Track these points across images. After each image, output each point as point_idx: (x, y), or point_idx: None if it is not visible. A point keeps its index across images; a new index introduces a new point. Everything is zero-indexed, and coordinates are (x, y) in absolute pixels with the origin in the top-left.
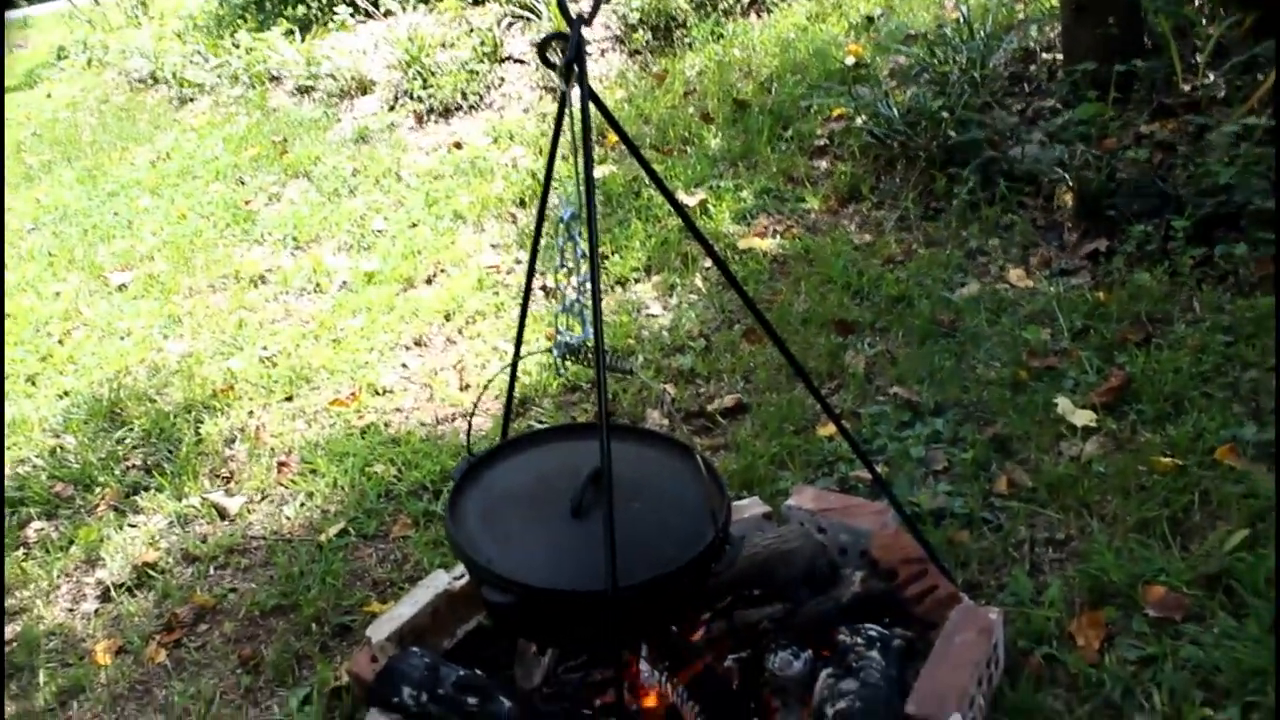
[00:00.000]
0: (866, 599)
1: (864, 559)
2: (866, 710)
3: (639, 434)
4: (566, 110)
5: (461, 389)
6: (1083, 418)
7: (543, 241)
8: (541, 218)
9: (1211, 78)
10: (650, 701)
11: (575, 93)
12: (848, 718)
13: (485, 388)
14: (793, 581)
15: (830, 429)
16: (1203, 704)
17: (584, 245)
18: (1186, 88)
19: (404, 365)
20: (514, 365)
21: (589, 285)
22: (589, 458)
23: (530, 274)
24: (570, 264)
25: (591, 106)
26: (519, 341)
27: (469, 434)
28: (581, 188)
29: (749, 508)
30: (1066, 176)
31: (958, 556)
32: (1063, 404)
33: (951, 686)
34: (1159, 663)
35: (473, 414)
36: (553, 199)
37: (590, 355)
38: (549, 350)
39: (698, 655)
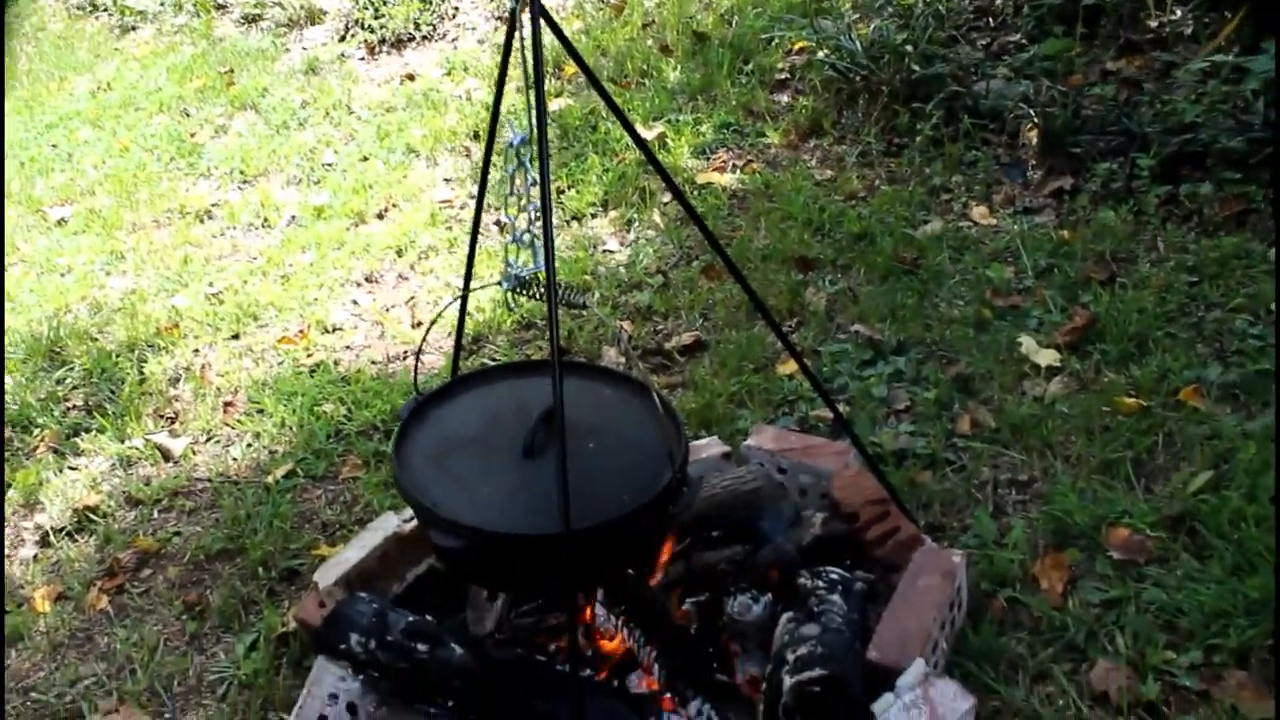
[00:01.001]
0: (827, 541)
1: (825, 500)
2: (828, 656)
3: (594, 372)
4: (518, 31)
5: (413, 326)
6: (1047, 357)
7: (495, 175)
8: (491, 147)
9: (1179, 14)
10: (606, 646)
11: (527, 16)
12: (809, 663)
13: (433, 322)
14: (752, 523)
15: (791, 367)
16: (1166, 646)
17: (535, 173)
18: (1153, 24)
19: (354, 302)
20: (464, 299)
21: (540, 214)
22: (542, 396)
23: (480, 203)
24: (520, 192)
25: (545, 30)
26: (468, 274)
27: (416, 371)
28: (533, 110)
29: (707, 447)
30: (1031, 113)
31: (920, 498)
32: (1026, 343)
33: (914, 631)
34: (1122, 605)
35: (420, 350)
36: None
37: (542, 289)
38: (499, 284)
39: (655, 599)
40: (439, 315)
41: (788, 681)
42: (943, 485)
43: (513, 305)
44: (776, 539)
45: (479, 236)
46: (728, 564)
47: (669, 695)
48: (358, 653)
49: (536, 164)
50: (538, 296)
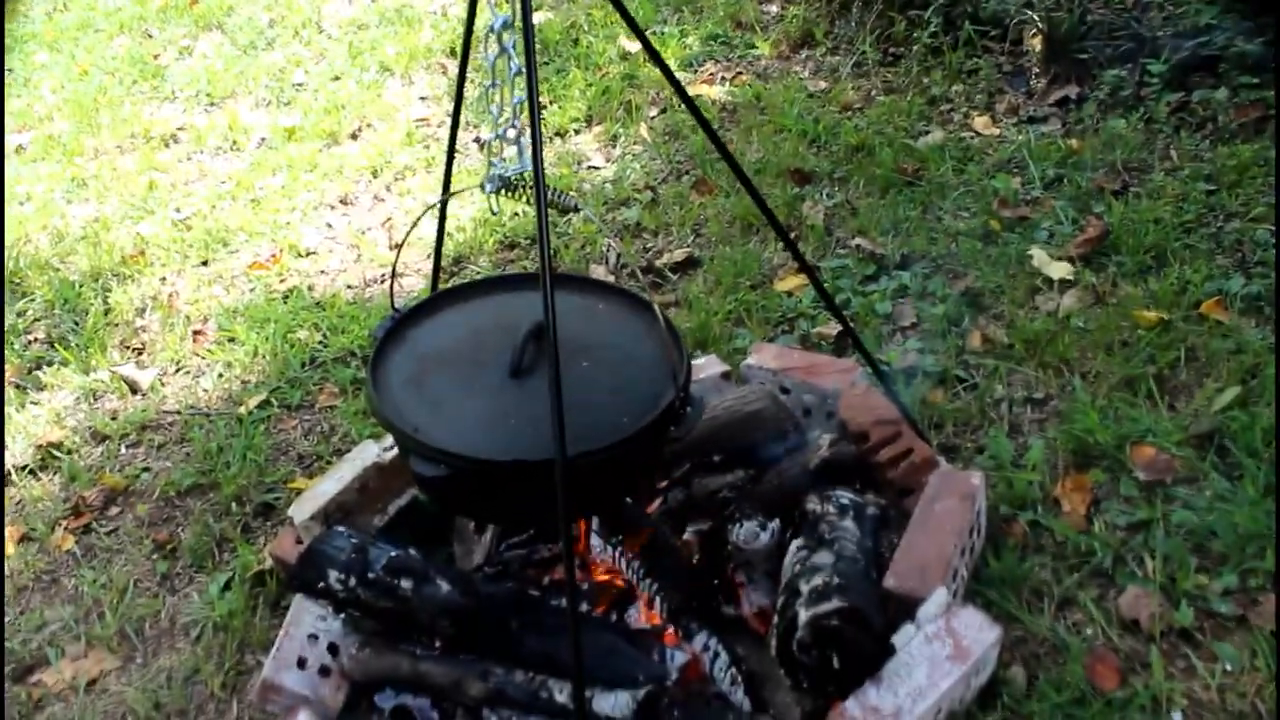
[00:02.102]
0: (836, 464)
1: (831, 421)
2: (845, 586)
3: (586, 285)
4: None
5: (391, 249)
6: (1059, 270)
7: (473, 91)
8: (470, 33)
9: None
10: (604, 579)
11: None
12: (825, 594)
13: (411, 229)
14: (756, 446)
15: (790, 283)
16: (1198, 570)
17: (519, 59)
18: None
19: (328, 225)
20: (443, 205)
21: (526, 106)
22: (529, 312)
23: (459, 93)
24: (501, 81)
25: None
26: (448, 175)
27: (392, 287)
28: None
29: (705, 367)
30: (1035, 18)
31: (931, 418)
32: (1038, 256)
33: (933, 558)
34: (1150, 528)
35: (396, 262)
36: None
37: (529, 189)
38: (482, 186)
39: (654, 528)
40: (417, 221)
41: (803, 614)
42: (955, 404)
43: (496, 209)
44: (782, 463)
45: (455, 155)
46: (730, 490)
47: (672, 630)
48: (337, 591)
49: (520, 50)
50: (524, 198)
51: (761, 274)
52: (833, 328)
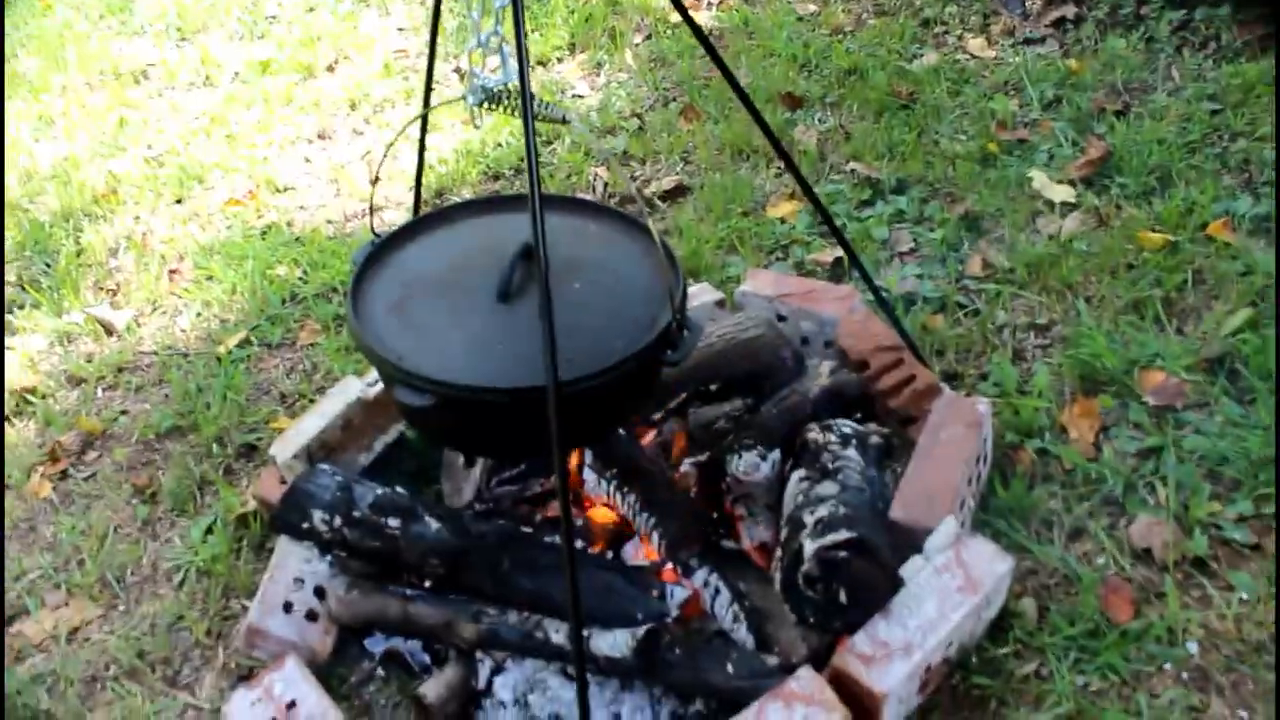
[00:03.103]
0: (836, 392)
1: (830, 349)
2: (852, 517)
3: (576, 205)
4: None
5: (371, 182)
6: (1060, 193)
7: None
8: None
9: None
10: (598, 514)
11: None
12: (831, 526)
13: (392, 143)
14: (754, 374)
15: (783, 209)
16: (1211, 498)
17: None
18: None
19: (306, 160)
20: (424, 119)
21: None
22: (517, 234)
23: (436, 11)
24: None
25: None
26: (428, 89)
27: (371, 209)
28: None
29: (698, 295)
30: None
31: (932, 344)
32: (1038, 178)
33: (941, 487)
34: (1161, 454)
35: (376, 181)
36: None
37: (514, 101)
38: (463, 98)
39: (649, 460)
40: (398, 136)
41: (809, 546)
42: (956, 331)
43: (479, 123)
44: (780, 391)
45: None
46: (727, 419)
47: (670, 566)
48: (322, 531)
49: None
50: (509, 110)
51: (753, 200)
52: (829, 254)
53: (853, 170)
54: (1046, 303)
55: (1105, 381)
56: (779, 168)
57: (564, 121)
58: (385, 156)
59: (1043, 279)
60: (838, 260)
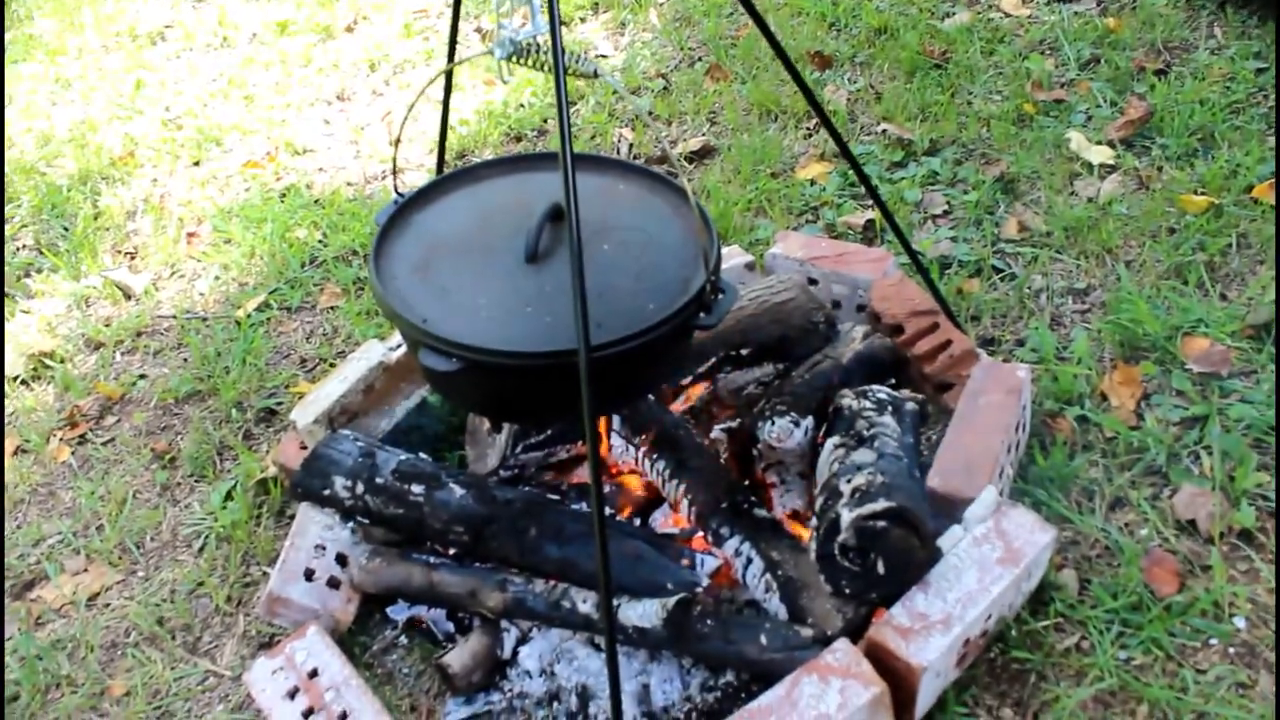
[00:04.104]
0: (869, 358)
1: (862, 313)
2: (890, 485)
3: (604, 164)
4: None
5: (393, 143)
6: (1099, 154)
7: None
8: None
9: None
10: (627, 481)
11: None
12: (870, 495)
13: (417, 98)
14: (785, 339)
15: (813, 170)
16: (1258, 468)
17: None
18: None
19: (326, 122)
20: (448, 76)
21: None
22: (544, 193)
23: None
24: None
25: None
26: (453, 42)
27: (395, 163)
28: None
29: (728, 257)
30: None
31: (967, 309)
32: (1075, 139)
33: (980, 455)
34: (1206, 423)
35: (399, 136)
36: None
37: (544, 55)
38: (490, 51)
39: (679, 426)
40: (422, 92)
41: (846, 516)
42: (992, 295)
43: (507, 77)
44: (813, 356)
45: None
46: (758, 385)
47: (701, 534)
48: (343, 498)
49: None
50: (537, 64)
51: (782, 162)
52: (860, 216)
53: (884, 131)
54: (1085, 267)
55: (1147, 348)
56: (808, 129)
57: (595, 75)
58: (407, 116)
59: (1081, 243)
60: (869, 223)
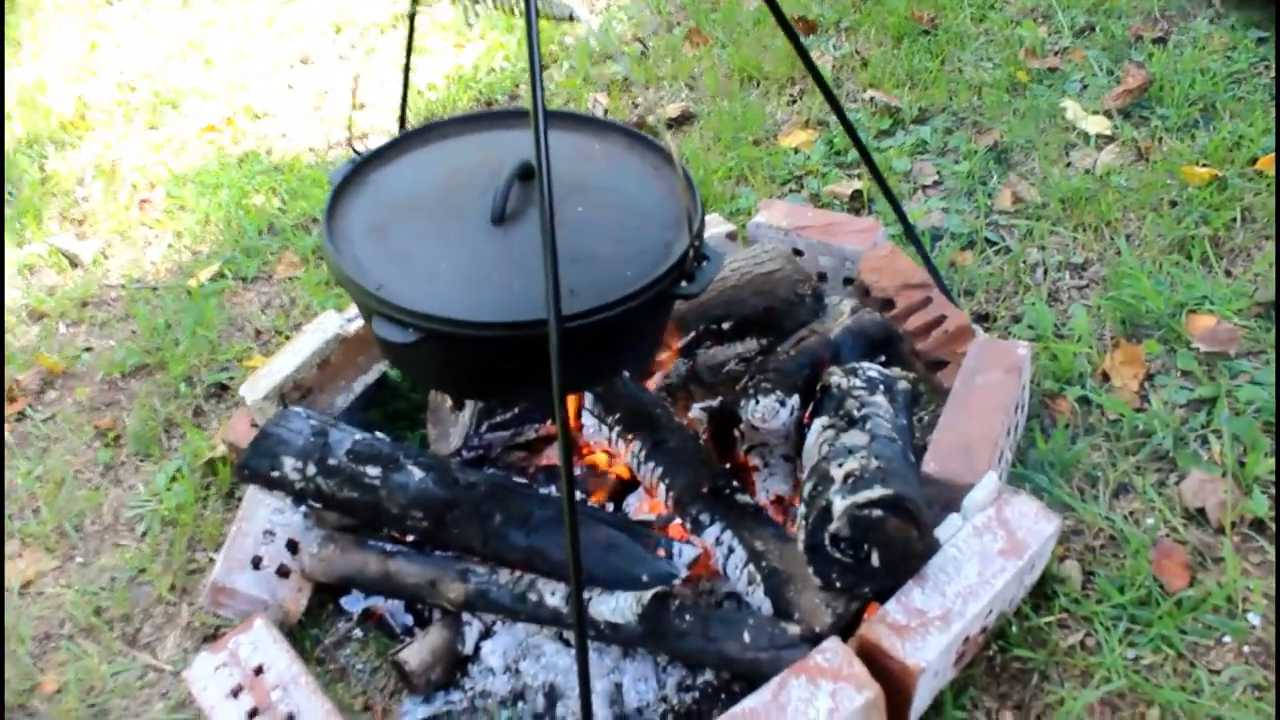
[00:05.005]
0: (859, 333)
1: (850, 286)
2: (886, 470)
3: (578, 121)
4: None
5: (357, 109)
6: (1096, 124)
7: None
8: None
9: None
10: (599, 462)
11: None
12: (864, 481)
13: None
14: (769, 312)
15: (796, 138)
16: (1270, 453)
17: None
18: None
19: (289, 86)
20: (411, 18)
21: None
22: (513, 151)
23: None
24: None
25: None
26: None
27: (351, 127)
28: None
29: (708, 227)
30: None
31: (960, 283)
32: (1071, 109)
33: (978, 438)
34: (1214, 405)
35: (356, 79)
36: None
37: None
38: None
39: (656, 405)
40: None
41: (839, 503)
42: (986, 268)
43: (472, 19)
44: (799, 331)
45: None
46: (740, 362)
47: (679, 521)
48: (294, 480)
49: None
50: (508, 8)
51: (764, 129)
52: (847, 186)
53: (871, 99)
54: (1083, 240)
55: (1149, 325)
56: (792, 95)
57: (571, 19)
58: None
59: (1078, 215)
60: (856, 193)
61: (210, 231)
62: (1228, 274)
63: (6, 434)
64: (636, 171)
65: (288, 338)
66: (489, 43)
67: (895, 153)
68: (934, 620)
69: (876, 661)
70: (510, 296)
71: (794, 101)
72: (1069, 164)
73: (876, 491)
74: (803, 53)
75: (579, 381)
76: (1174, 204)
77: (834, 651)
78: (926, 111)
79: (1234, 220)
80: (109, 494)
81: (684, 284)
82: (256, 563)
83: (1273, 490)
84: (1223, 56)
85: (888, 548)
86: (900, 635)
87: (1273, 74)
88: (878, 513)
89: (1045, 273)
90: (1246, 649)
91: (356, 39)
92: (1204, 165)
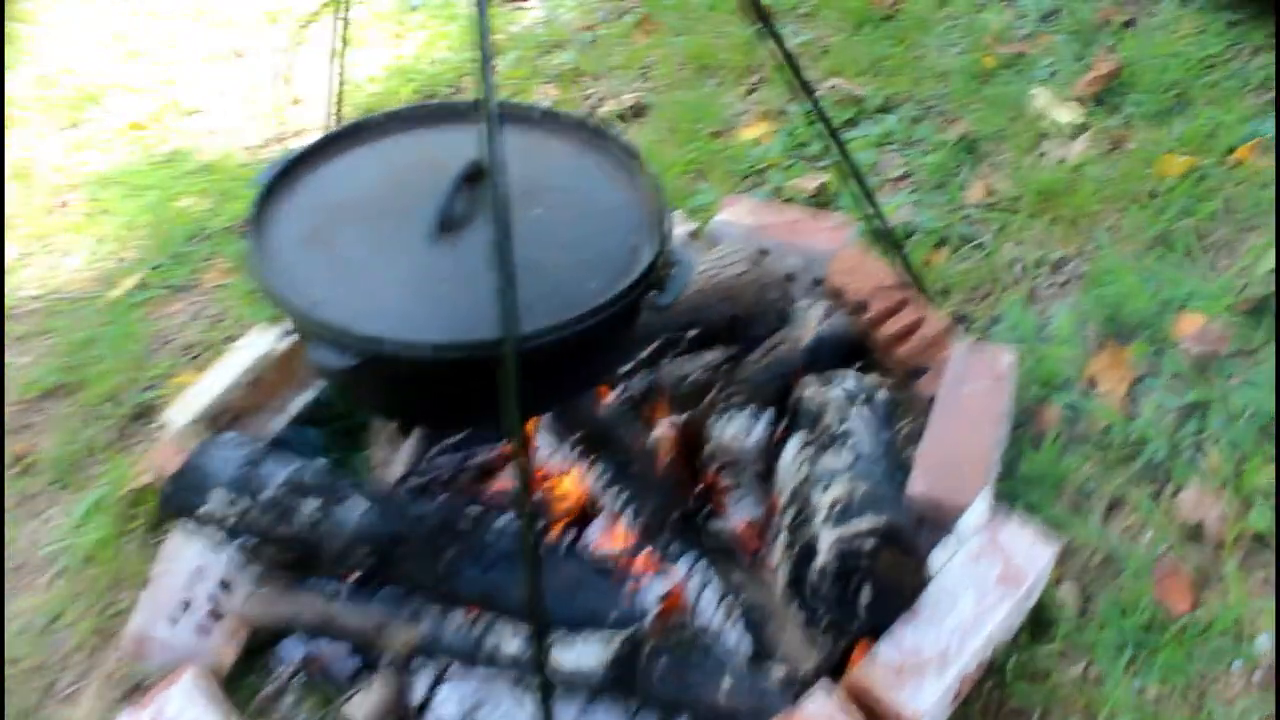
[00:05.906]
0: (832, 339)
1: (819, 288)
2: (874, 496)
3: (532, 117)
4: None
5: (292, 104)
6: (1067, 112)
7: None
8: None
9: None
10: (559, 488)
11: None
12: (852, 509)
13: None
14: (737, 319)
15: (756, 130)
16: (1270, 461)
17: None
18: None
19: (219, 80)
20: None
21: None
22: (461, 150)
23: None
24: None
25: None
26: None
27: (282, 124)
28: None
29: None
30: None
31: (935, 283)
32: (1041, 96)
33: (969, 454)
34: (1208, 411)
35: (289, 79)
36: None
37: None
38: None
39: (619, 423)
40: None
41: (826, 536)
42: (961, 267)
43: (415, 2)
44: (767, 339)
45: None
46: (705, 372)
47: (647, 551)
48: (224, 516)
49: None
50: None
51: (722, 121)
52: (811, 180)
53: (833, 87)
54: (1060, 235)
55: (1135, 325)
56: (750, 84)
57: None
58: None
59: (1054, 208)
60: (821, 187)
61: (135, 237)
62: (1213, 269)
63: None
64: (595, 171)
65: (219, 353)
66: (430, 32)
67: (860, 144)
68: (930, 661)
69: (871, 710)
70: (460, 314)
71: (752, 91)
72: (1042, 154)
73: (867, 521)
74: (775, 36)
75: (538, 405)
76: (1153, 195)
77: (824, 701)
78: (891, 100)
79: (1215, 213)
80: (24, 527)
81: (654, 294)
82: (185, 605)
83: (1274, 502)
84: (1194, 40)
85: (880, 582)
86: (894, 680)
87: (1248, 59)
88: (870, 544)
89: (1023, 270)
90: (1257, 676)
91: (293, 29)
92: (1181, 154)
